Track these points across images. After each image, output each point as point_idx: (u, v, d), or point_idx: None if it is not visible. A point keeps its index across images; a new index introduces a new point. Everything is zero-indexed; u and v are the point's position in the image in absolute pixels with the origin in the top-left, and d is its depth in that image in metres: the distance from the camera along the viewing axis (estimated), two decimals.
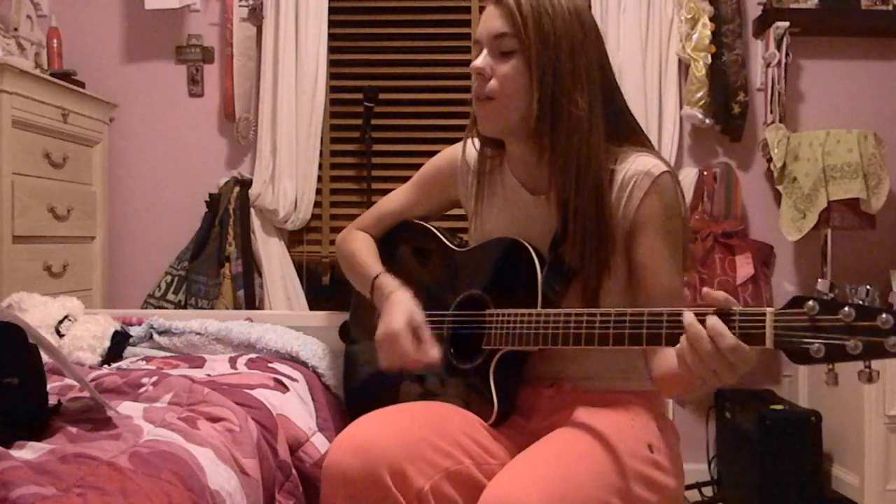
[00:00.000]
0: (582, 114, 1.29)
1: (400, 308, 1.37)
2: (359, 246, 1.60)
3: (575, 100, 1.29)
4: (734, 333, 1.00)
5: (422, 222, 1.60)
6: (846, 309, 0.93)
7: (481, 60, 1.34)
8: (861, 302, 0.91)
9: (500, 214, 1.45)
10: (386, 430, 1.21)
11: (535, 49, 1.29)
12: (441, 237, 1.55)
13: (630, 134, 1.38)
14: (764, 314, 0.99)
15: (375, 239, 1.63)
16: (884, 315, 0.91)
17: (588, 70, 1.31)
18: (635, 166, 1.32)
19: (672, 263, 1.30)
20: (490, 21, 1.34)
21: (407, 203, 1.62)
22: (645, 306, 1.29)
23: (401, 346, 1.33)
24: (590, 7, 2.90)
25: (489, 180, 1.47)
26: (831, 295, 0.84)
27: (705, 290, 1.06)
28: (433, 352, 1.33)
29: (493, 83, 1.33)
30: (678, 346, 1.06)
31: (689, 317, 1.04)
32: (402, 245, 1.61)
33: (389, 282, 1.45)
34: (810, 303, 0.95)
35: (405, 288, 1.43)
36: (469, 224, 1.54)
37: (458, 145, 1.53)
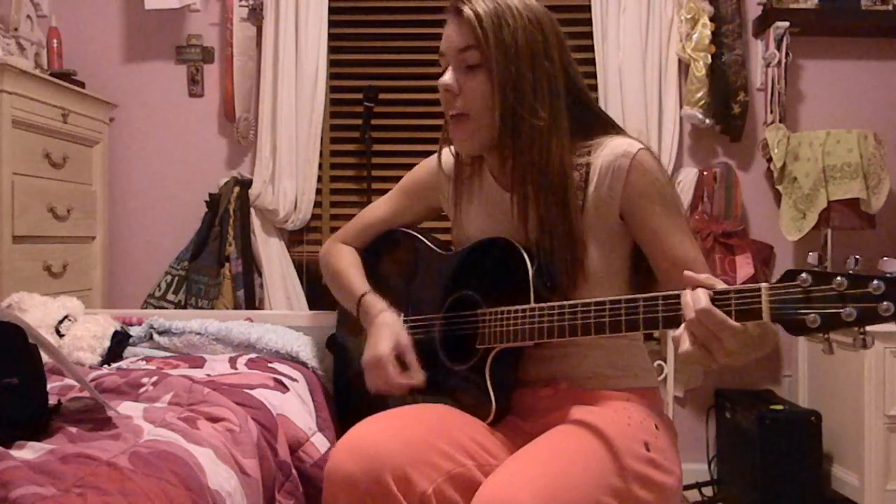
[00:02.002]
0: (542, 124, 1.30)
1: (386, 332, 1.39)
2: (343, 263, 1.61)
3: (535, 110, 1.30)
4: (730, 311, 1.02)
5: (407, 229, 1.61)
6: (839, 278, 0.96)
7: (449, 77, 1.35)
8: (851, 271, 0.94)
9: (481, 216, 1.46)
10: (388, 433, 1.21)
11: (496, 62, 1.30)
12: (427, 242, 1.56)
13: (598, 125, 1.39)
14: (759, 289, 1.01)
15: (360, 250, 1.64)
16: (875, 281, 0.93)
17: (550, 77, 1.32)
18: (609, 151, 1.33)
19: (678, 230, 1.31)
20: (453, 35, 1.35)
21: (390, 213, 1.63)
22: (666, 278, 1.31)
23: (386, 371, 1.36)
24: (589, 8, 2.91)
25: (468, 186, 1.49)
26: (822, 267, 0.87)
27: (686, 272, 1.08)
28: (417, 377, 1.36)
29: (461, 101, 1.34)
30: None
31: (687, 291, 1.06)
32: (388, 252, 1.62)
33: (376, 303, 1.47)
34: (803, 275, 0.98)
35: (392, 309, 1.45)
36: (451, 230, 1.56)
37: (436, 154, 1.55)
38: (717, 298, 1.03)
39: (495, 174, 1.45)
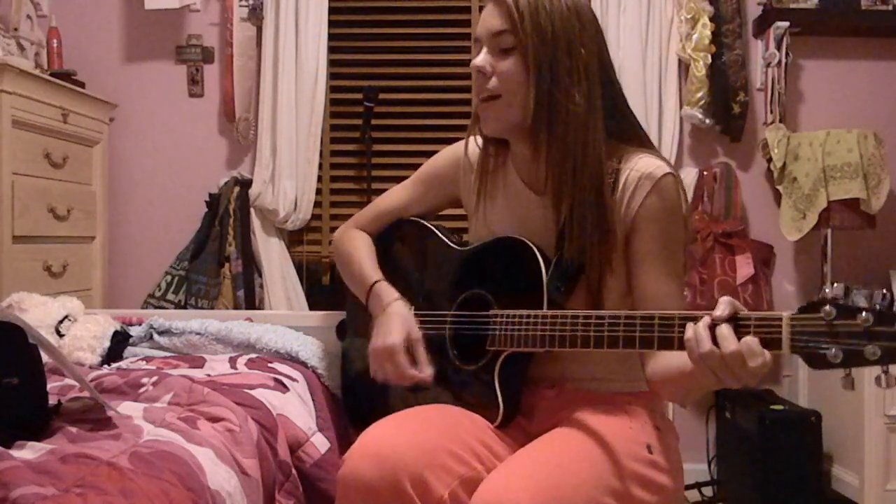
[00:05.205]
0: (579, 109, 1.29)
1: (397, 321, 1.38)
2: (357, 249, 1.59)
3: (572, 95, 1.29)
4: (749, 337, 1.00)
5: (420, 220, 1.59)
6: (864, 314, 0.93)
7: (481, 59, 1.34)
8: (877, 306, 0.92)
9: (503, 213, 1.45)
10: (403, 437, 1.19)
11: (531, 45, 1.29)
12: (440, 235, 1.54)
13: (631, 132, 1.38)
14: (780, 318, 0.99)
15: (373, 237, 1.62)
16: None
17: (586, 66, 1.31)
18: (638, 168, 1.31)
19: (665, 266, 1.30)
20: (489, 19, 1.34)
21: (407, 200, 1.61)
22: (636, 308, 1.29)
23: (396, 361, 1.34)
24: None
25: (492, 179, 1.47)
26: (847, 299, 0.84)
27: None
28: (427, 371, 1.35)
29: (493, 81, 1.33)
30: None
31: (690, 325, 1.05)
32: (400, 243, 1.60)
33: (388, 291, 1.45)
34: (827, 307, 0.95)
35: (404, 300, 1.43)
36: (469, 222, 1.54)
37: (461, 143, 1.53)
38: (738, 325, 1.02)
39: (522, 172, 1.42)
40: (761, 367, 0.99)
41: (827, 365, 0.95)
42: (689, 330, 1.05)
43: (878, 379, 0.95)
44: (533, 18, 1.29)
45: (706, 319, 1.04)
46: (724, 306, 1.04)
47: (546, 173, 1.35)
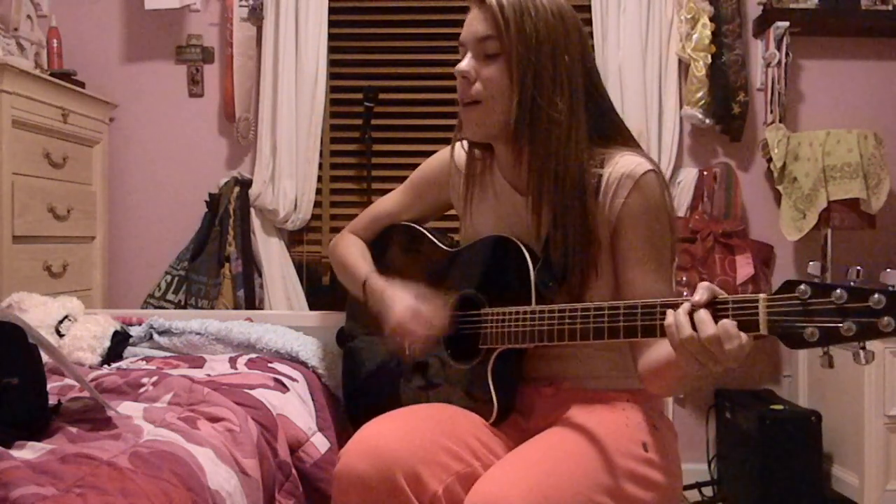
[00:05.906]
0: (561, 117, 1.29)
1: (397, 299, 1.40)
2: (350, 250, 1.62)
3: (554, 102, 1.29)
4: (726, 320, 1.01)
5: (412, 224, 1.61)
6: (838, 291, 0.93)
7: (465, 63, 1.34)
8: (852, 283, 0.92)
9: (490, 215, 1.46)
10: (398, 433, 1.21)
11: (516, 51, 1.29)
12: (431, 238, 1.56)
13: (615, 134, 1.38)
14: (756, 300, 1.00)
15: (368, 242, 1.65)
16: (876, 295, 0.91)
17: (570, 72, 1.31)
18: (619, 167, 1.31)
19: (652, 264, 1.30)
20: (474, 24, 1.34)
21: (400, 206, 1.63)
22: None
23: (411, 331, 1.35)
24: (590, 8, 2.91)
25: (479, 181, 1.48)
26: (822, 277, 0.84)
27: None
28: (441, 320, 1.36)
29: (477, 86, 1.33)
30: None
31: (670, 311, 1.06)
32: (393, 247, 1.62)
33: (379, 282, 1.48)
34: (802, 286, 0.95)
35: (395, 283, 1.45)
36: (460, 225, 1.55)
37: (449, 148, 1.54)
38: (717, 309, 1.02)
39: (506, 174, 1.43)
40: (739, 350, 1.00)
41: (804, 344, 0.95)
42: (670, 316, 1.06)
43: (856, 356, 0.94)
44: (518, 25, 1.29)
45: (686, 305, 1.05)
46: (702, 291, 1.05)
47: (527, 179, 1.36)
